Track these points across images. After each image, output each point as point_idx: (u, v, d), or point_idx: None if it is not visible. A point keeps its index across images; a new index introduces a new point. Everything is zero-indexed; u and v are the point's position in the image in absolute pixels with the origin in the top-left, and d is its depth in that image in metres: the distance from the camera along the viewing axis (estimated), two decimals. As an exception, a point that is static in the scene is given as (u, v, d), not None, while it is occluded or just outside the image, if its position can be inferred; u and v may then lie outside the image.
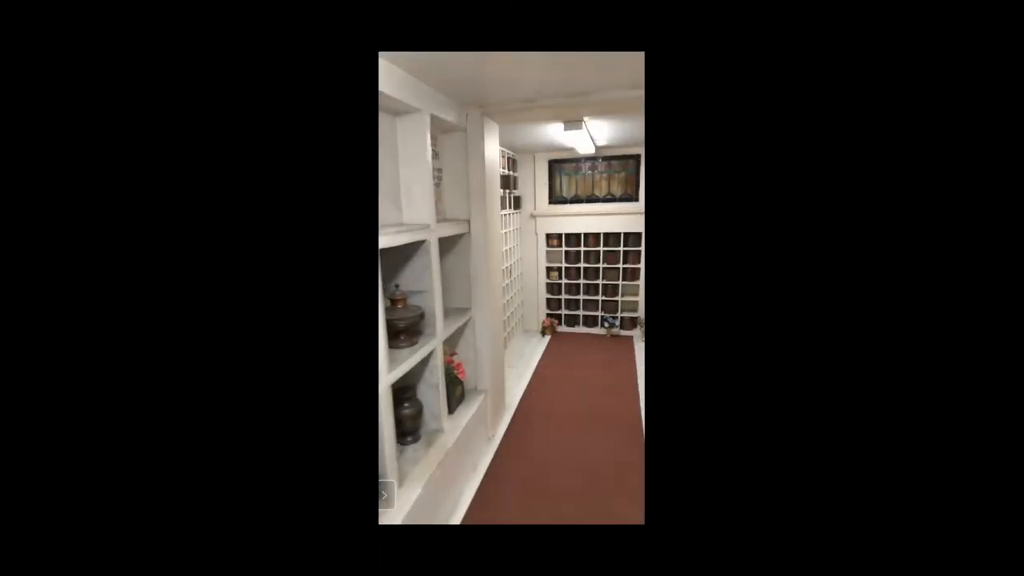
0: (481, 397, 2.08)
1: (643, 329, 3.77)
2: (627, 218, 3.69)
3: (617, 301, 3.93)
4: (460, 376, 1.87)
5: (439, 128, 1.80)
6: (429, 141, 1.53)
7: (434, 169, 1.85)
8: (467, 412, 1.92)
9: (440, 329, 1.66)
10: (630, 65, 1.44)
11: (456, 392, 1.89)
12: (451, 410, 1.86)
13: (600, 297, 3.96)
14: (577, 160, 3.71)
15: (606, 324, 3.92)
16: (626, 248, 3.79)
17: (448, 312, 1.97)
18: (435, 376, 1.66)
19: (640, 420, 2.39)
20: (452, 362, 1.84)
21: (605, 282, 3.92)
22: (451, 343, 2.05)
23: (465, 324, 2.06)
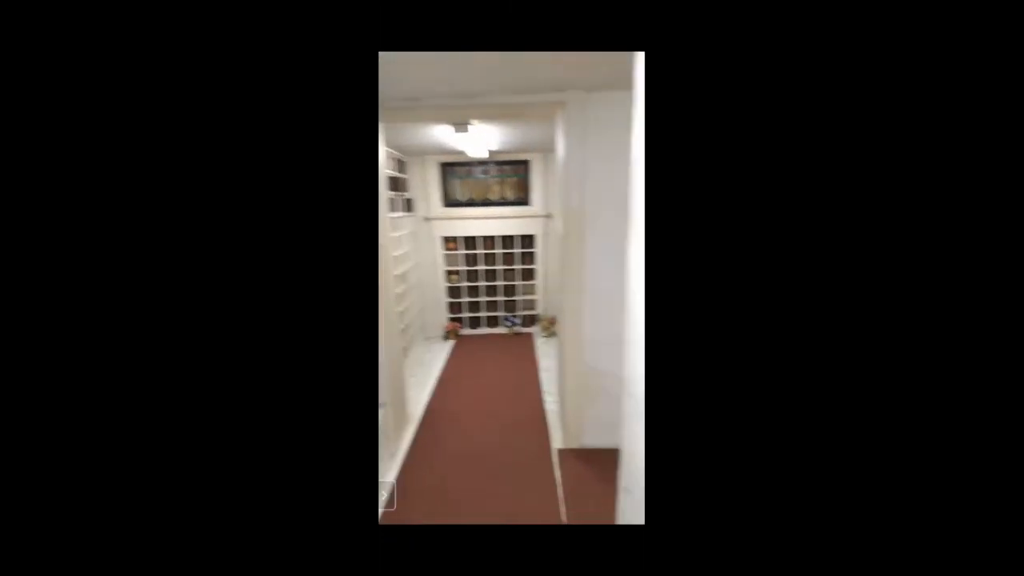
0: (381, 411, 1.96)
1: (542, 325, 3.96)
2: (520, 221, 3.84)
3: (516, 301, 4.06)
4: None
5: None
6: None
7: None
8: (365, 430, 1.78)
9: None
10: (517, 70, 1.49)
11: (351, 410, 1.74)
12: (347, 431, 1.70)
13: (500, 298, 4.05)
14: (469, 164, 3.74)
15: (508, 323, 4.02)
16: (522, 250, 3.93)
17: (337, 324, 1.80)
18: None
19: (543, 413, 2.49)
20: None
21: (505, 283, 4.02)
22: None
23: (358, 336, 1.91)
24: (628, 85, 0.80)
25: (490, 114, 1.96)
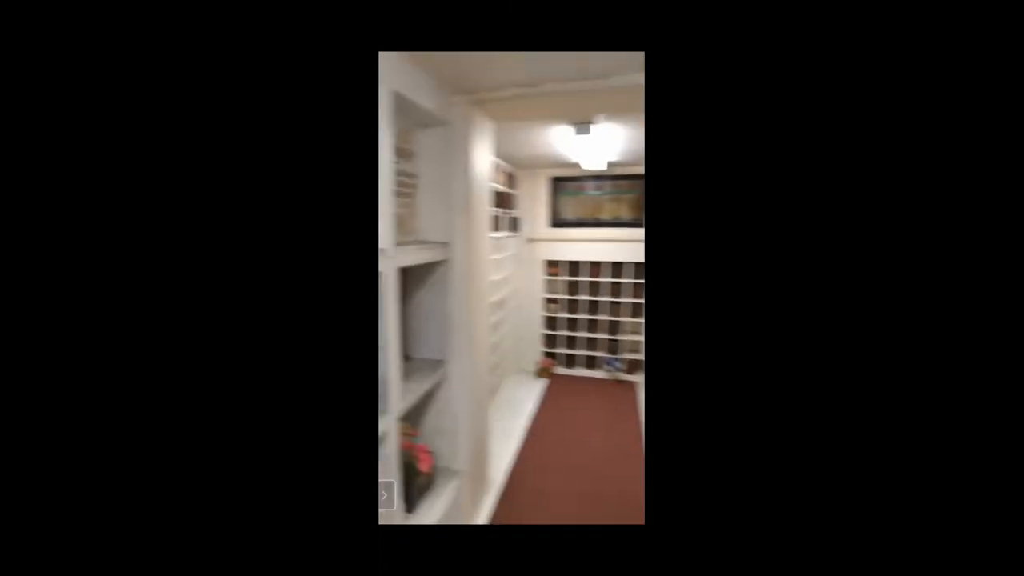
0: (455, 482, 1.53)
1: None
2: (636, 246, 3.24)
3: (620, 341, 3.43)
4: (421, 466, 1.33)
5: (412, 118, 1.32)
6: (388, 129, 1.03)
7: (404, 173, 1.36)
8: (435, 507, 1.37)
9: (395, 401, 1.13)
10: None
11: (417, 483, 1.35)
12: (410, 508, 1.31)
13: (602, 335, 3.46)
14: (582, 179, 3.28)
15: (609, 367, 3.40)
16: (633, 280, 3.32)
17: (414, 368, 1.44)
18: (385, 470, 1.12)
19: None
20: (411, 447, 1.30)
21: (608, 318, 3.42)
22: (413, 416, 1.51)
23: (437, 385, 1.53)
24: None
25: (623, 102, 1.46)
